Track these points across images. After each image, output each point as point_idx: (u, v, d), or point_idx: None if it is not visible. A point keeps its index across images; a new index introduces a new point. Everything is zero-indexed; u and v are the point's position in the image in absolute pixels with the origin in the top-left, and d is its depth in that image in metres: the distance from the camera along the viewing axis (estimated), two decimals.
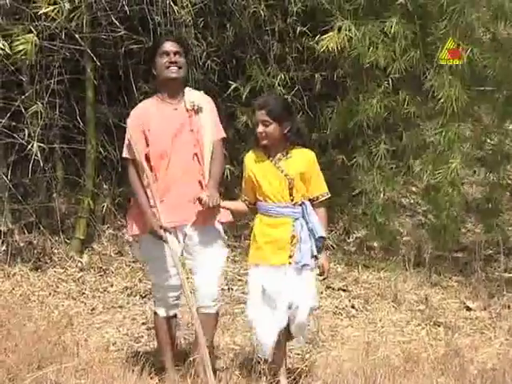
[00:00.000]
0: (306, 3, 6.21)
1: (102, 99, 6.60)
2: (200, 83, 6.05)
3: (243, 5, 6.30)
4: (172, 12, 5.80)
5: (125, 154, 4.04)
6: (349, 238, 6.92)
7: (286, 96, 3.90)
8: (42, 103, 5.81)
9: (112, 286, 5.92)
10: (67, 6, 5.35)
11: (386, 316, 5.38)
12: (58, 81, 6.02)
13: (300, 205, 3.93)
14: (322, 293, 5.60)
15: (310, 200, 3.98)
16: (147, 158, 3.96)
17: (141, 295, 5.71)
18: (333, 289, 5.86)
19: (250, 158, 4.04)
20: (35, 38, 5.20)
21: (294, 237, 3.91)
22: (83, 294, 5.78)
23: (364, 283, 5.99)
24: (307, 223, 3.91)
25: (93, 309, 5.54)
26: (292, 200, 3.92)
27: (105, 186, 6.78)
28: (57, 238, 6.33)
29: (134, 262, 6.21)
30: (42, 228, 6.33)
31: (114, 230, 6.63)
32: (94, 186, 6.44)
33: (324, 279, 4.22)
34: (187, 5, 5.86)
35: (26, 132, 5.88)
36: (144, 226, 3.95)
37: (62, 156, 6.58)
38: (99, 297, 5.74)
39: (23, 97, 6.00)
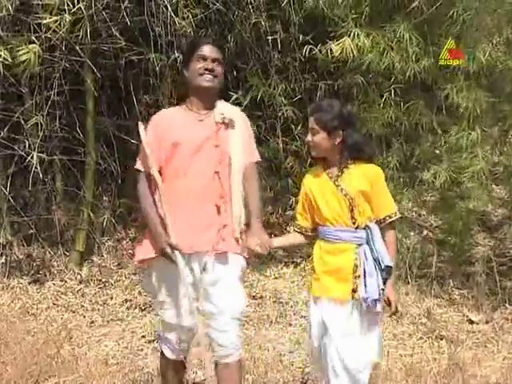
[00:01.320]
0: (309, 12, 6.14)
1: (102, 110, 6.59)
2: None
3: (244, 16, 6.29)
4: (173, 23, 5.80)
5: (138, 166, 3.53)
6: None
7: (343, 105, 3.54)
8: (42, 115, 5.82)
9: (112, 298, 5.88)
10: (68, 17, 5.36)
11: (387, 329, 5.33)
12: (57, 92, 5.99)
13: (364, 228, 3.40)
14: None
15: (377, 222, 3.44)
16: (160, 172, 3.46)
17: (140, 308, 5.67)
18: None
19: (307, 175, 3.59)
20: (38, 48, 5.20)
21: (356, 266, 3.37)
22: (82, 306, 5.74)
23: None
24: (372, 251, 3.37)
25: (92, 322, 5.51)
26: (354, 223, 3.40)
27: (104, 198, 6.78)
28: (56, 251, 6.31)
29: (133, 274, 6.18)
30: (41, 240, 6.31)
31: (114, 242, 6.61)
32: (93, 197, 6.42)
33: (392, 315, 3.64)
34: (188, 16, 5.86)
35: (26, 143, 5.87)
36: (154, 251, 3.43)
37: (62, 167, 6.55)
38: (99, 309, 5.71)
39: (23, 108, 6.00)
